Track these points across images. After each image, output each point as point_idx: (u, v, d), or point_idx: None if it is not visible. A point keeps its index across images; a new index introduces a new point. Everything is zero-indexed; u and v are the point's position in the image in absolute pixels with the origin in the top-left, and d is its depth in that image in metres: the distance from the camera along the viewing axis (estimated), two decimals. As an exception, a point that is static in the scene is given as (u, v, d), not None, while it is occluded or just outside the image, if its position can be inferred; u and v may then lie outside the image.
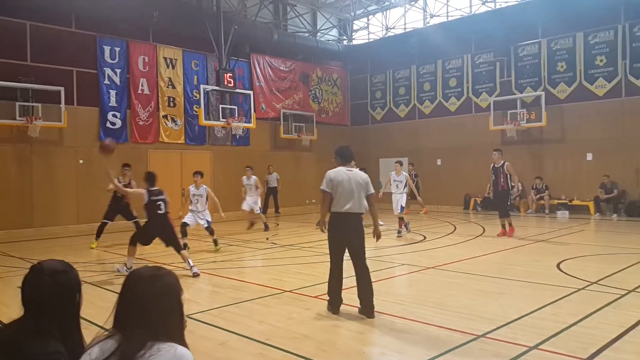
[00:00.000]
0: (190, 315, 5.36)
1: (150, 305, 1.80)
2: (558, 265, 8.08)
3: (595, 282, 6.81)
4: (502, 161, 12.09)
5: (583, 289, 6.53)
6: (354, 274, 5.71)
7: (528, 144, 18.04)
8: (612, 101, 16.26)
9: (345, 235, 5.64)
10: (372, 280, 5.70)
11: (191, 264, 7.99)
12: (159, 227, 8.20)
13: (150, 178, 8.46)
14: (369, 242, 8.16)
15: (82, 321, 2.09)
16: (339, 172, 5.70)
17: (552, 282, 6.96)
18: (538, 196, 17.24)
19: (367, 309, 5.48)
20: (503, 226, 11.93)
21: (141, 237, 8.33)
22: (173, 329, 1.84)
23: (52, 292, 1.91)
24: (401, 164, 12.96)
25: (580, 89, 16.93)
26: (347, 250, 5.70)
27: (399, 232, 12.47)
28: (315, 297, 6.37)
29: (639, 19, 15.70)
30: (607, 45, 16.36)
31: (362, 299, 5.56)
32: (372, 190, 5.85)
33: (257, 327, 4.96)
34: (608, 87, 16.35)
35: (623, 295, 6.11)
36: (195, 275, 7.84)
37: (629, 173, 15.78)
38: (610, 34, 16.31)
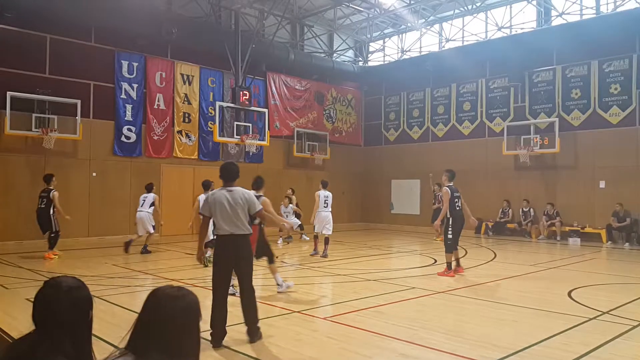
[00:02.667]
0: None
1: (171, 326, 1.80)
2: (569, 294, 8.01)
3: (607, 312, 6.74)
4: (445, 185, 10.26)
5: (594, 318, 6.45)
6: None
7: (541, 170, 17.97)
8: (626, 129, 16.19)
9: (230, 259, 5.31)
10: (382, 303, 5.69)
11: (279, 280, 7.94)
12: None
13: (258, 184, 8.43)
14: (371, 264, 8.12)
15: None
16: (217, 194, 5.37)
17: (564, 310, 6.89)
18: (549, 222, 17.11)
19: (250, 331, 5.28)
20: (448, 264, 9.91)
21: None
22: (190, 350, 1.84)
23: (67, 308, 1.88)
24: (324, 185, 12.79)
25: (594, 117, 16.89)
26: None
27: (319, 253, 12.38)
28: (324, 318, 6.36)
29: (654, 48, 15.73)
30: (621, 73, 16.36)
31: (247, 323, 5.34)
32: (258, 208, 5.48)
33: (264, 348, 4.96)
34: (622, 115, 16.30)
35: (635, 327, 6.03)
36: (287, 287, 7.90)
37: (642, 202, 15.64)
38: (625, 63, 16.31)
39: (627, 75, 16.23)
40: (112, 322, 5.71)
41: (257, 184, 8.39)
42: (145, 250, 12.64)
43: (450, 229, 9.76)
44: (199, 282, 8.82)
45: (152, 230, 12.84)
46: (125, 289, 8.09)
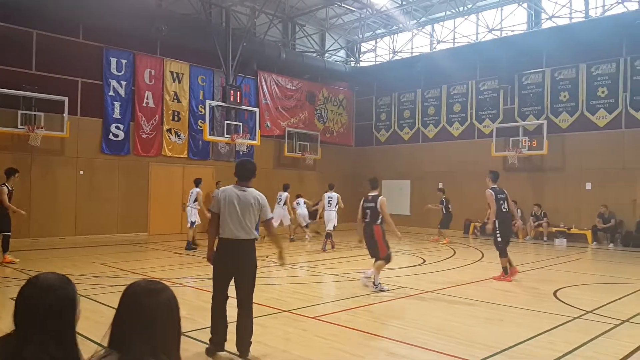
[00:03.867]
0: (185, 333, 5.35)
1: (150, 319, 1.77)
2: (555, 293, 8.10)
3: (591, 311, 6.83)
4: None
5: (579, 317, 6.54)
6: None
7: (529, 172, 18.12)
8: (612, 132, 16.39)
9: (231, 266, 4.87)
10: (371, 302, 5.71)
11: (378, 280, 8.11)
12: (366, 235, 8.29)
13: (373, 184, 8.60)
14: (361, 264, 8.17)
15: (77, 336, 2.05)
16: (228, 191, 4.93)
17: (549, 309, 6.97)
18: (536, 223, 17.28)
19: (241, 347, 4.85)
20: (504, 269, 9.44)
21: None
22: (171, 345, 1.82)
23: (48, 307, 1.82)
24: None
25: (581, 119, 17.07)
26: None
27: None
28: (313, 317, 6.37)
29: (639, 53, 15.94)
30: (609, 77, 16.54)
31: (238, 335, 4.89)
32: (269, 215, 5.02)
33: (253, 347, 4.96)
34: (609, 118, 16.48)
35: (617, 325, 6.14)
36: (366, 280, 8.06)
37: (626, 204, 15.83)
38: (612, 67, 16.49)
39: (614, 79, 16.42)
40: (99, 321, 5.66)
41: (373, 184, 8.58)
42: (189, 247, 13.24)
43: (498, 232, 9.38)
44: (187, 281, 8.80)
45: (188, 225, 13.67)
46: (113, 288, 8.05)
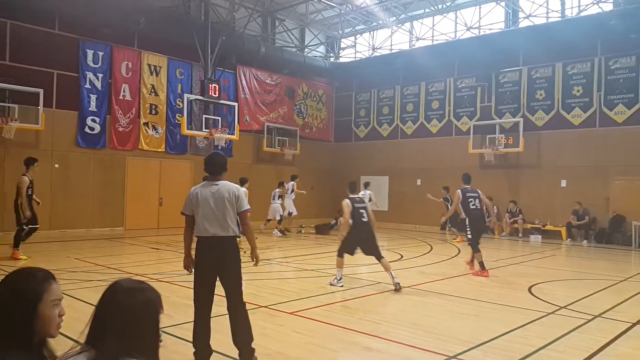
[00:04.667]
0: (163, 329, 5.30)
1: (126, 318, 1.77)
2: (529, 289, 8.23)
3: (564, 307, 6.96)
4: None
5: (552, 313, 6.66)
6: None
7: (505, 169, 18.38)
8: (586, 131, 16.70)
9: (213, 266, 4.57)
10: (348, 298, 5.73)
11: (393, 275, 8.05)
12: (362, 235, 8.30)
13: (352, 186, 8.74)
14: (345, 260, 8.21)
15: None
16: (200, 189, 4.67)
17: (523, 305, 7.09)
18: (512, 220, 17.54)
19: (245, 355, 4.56)
20: (480, 264, 9.63)
21: (347, 247, 8.39)
22: (148, 345, 1.80)
23: (6, 301, 1.76)
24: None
25: (557, 117, 17.36)
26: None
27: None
28: (291, 313, 6.37)
29: (613, 53, 16.22)
30: (584, 76, 16.85)
31: (238, 345, 4.59)
32: (246, 207, 4.68)
33: (230, 343, 4.93)
34: (584, 116, 16.79)
35: (589, 320, 6.26)
36: (397, 286, 7.84)
37: (599, 201, 16.17)
38: (587, 66, 16.80)
39: (589, 78, 16.72)
40: (74, 317, 5.57)
41: (353, 186, 8.85)
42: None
43: (468, 228, 9.75)
44: (164, 277, 8.72)
45: (277, 217, 15.79)
46: (88, 283, 7.94)
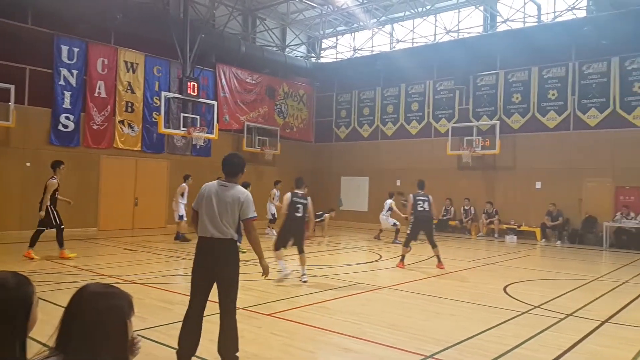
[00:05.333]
0: (137, 333, 5.21)
1: (92, 324, 1.73)
2: (505, 289, 8.34)
3: (538, 306, 7.08)
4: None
5: (527, 312, 6.76)
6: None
7: (482, 170, 18.60)
8: (561, 134, 17.01)
9: (209, 267, 4.48)
10: (327, 299, 5.71)
11: (305, 271, 8.63)
12: (293, 228, 8.83)
13: (297, 182, 9.10)
14: (318, 261, 8.16)
15: None
16: (209, 186, 4.63)
17: (499, 304, 7.18)
18: (488, 220, 17.77)
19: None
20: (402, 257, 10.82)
21: (281, 241, 8.94)
22: (116, 351, 1.77)
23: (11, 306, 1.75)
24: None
25: (532, 120, 17.63)
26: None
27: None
28: (268, 314, 6.33)
29: (587, 58, 16.57)
30: (559, 80, 17.15)
31: (222, 353, 4.49)
32: (251, 214, 4.54)
33: (206, 346, 4.85)
34: (558, 120, 17.09)
35: (562, 319, 6.38)
36: (304, 281, 8.44)
37: (573, 202, 16.49)
38: (562, 71, 17.11)
39: (563, 82, 17.03)
40: (45, 320, 5.45)
41: (299, 183, 9.12)
42: (178, 237, 14.05)
43: (410, 226, 10.83)
44: (138, 278, 8.59)
45: (176, 219, 14.22)
46: (60, 285, 7.78)
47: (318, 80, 23.38)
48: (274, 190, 16.77)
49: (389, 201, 16.23)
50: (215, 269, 4.46)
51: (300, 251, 8.80)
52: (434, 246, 10.67)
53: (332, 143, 23.29)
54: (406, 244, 10.76)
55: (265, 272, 4.79)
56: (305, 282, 8.49)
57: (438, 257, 10.61)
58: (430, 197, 11.01)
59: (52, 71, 15.28)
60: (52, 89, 15.29)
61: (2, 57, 14.26)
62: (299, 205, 8.71)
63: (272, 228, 16.38)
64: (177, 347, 4.55)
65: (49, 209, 10.35)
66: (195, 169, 17.63)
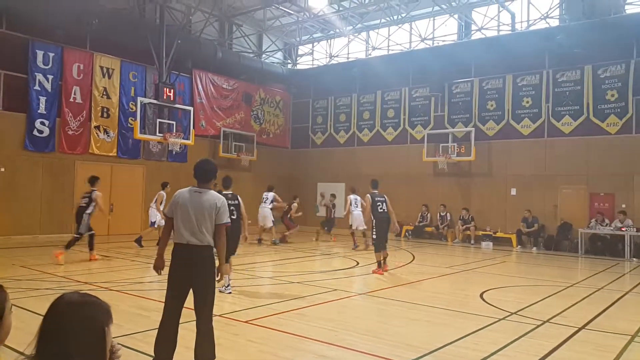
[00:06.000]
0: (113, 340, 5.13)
1: (68, 334, 1.72)
2: (481, 295, 8.42)
3: (515, 313, 7.15)
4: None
5: (503, 319, 6.83)
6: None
7: (457, 177, 18.82)
8: (535, 141, 17.31)
9: (186, 274, 4.46)
10: (304, 305, 5.70)
11: (228, 282, 8.08)
12: (235, 232, 8.23)
13: (227, 182, 8.62)
14: (295, 267, 8.14)
15: None
16: (184, 193, 4.61)
17: (476, 311, 7.25)
18: (464, 227, 17.95)
19: None
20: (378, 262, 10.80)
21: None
22: (96, 359, 1.76)
23: None
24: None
25: (507, 128, 17.92)
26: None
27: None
28: (245, 322, 6.29)
29: (560, 66, 16.93)
30: (533, 88, 17.49)
31: (197, 358, 4.47)
32: (225, 220, 4.60)
33: (183, 353, 4.81)
34: (533, 127, 17.41)
35: (539, 326, 6.45)
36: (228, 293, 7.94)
37: (548, 209, 16.78)
38: (536, 78, 17.45)
39: (537, 90, 17.37)
40: (19, 327, 5.33)
41: (227, 182, 8.58)
42: (138, 241, 13.73)
43: (374, 230, 10.60)
44: (113, 285, 8.46)
45: (149, 224, 13.96)
46: (34, 292, 7.60)
47: (294, 87, 23.40)
48: (162, 192, 15.19)
49: (270, 194, 16.06)
50: (191, 275, 4.44)
51: (229, 258, 8.02)
52: (384, 248, 10.69)
53: (309, 149, 23.32)
54: (377, 249, 10.61)
55: (222, 276, 4.84)
56: (229, 293, 7.92)
57: (384, 259, 10.65)
58: (386, 197, 10.90)
59: (27, 76, 15.05)
60: (27, 94, 15.05)
61: (-26, 61, 13.98)
62: (232, 208, 7.78)
63: None
64: (153, 354, 4.52)
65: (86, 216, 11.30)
66: (171, 174, 17.49)
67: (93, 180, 11.78)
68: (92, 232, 11.43)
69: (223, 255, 4.71)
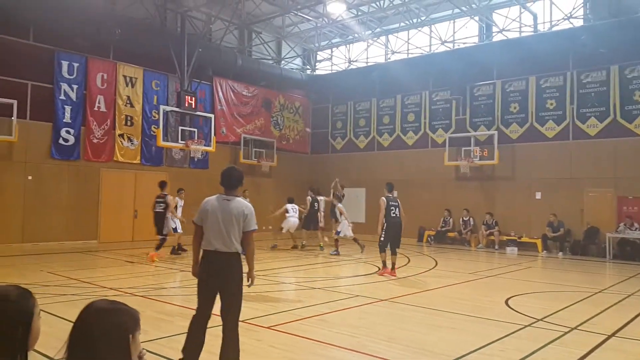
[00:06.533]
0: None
1: (99, 340, 1.75)
2: (506, 301, 8.28)
3: (541, 319, 7.00)
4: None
5: (529, 325, 6.69)
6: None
7: (480, 181, 18.59)
8: (560, 143, 17.01)
9: (215, 280, 4.58)
10: (326, 311, 5.68)
11: None
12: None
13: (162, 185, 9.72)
14: (316, 273, 8.14)
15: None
16: (213, 201, 4.70)
17: (501, 318, 7.12)
18: (488, 232, 17.70)
19: None
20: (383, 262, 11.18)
21: None
22: None
23: (10, 319, 1.80)
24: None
25: (531, 130, 17.66)
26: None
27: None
28: (268, 327, 6.29)
29: (585, 67, 16.61)
30: (557, 90, 17.20)
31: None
32: (252, 227, 4.67)
33: (205, 358, 4.85)
34: (557, 129, 17.12)
35: (566, 333, 6.30)
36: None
37: (574, 213, 16.44)
38: (560, 80, 17.16)
39: (561, 92, 17.08)
40: (47, 332, 5.41)
41: (162, 185, 8.98)
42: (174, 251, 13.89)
43: (383, 232, 10.87)
44: (138, 291, 8.55)
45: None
46: (61, 297, 7.73)
47: (313, 92, 23.45)
48: (177, 198, 14.51)
49: (295, 206, 16.26)
50: (219, 282, 4.55)
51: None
52: (394, 253, 10.96)
53: (329, 154, 23.32)
54: (382, 250, 10.93)
55: (252, 283, 4.88)
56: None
57: (393, 264, 10.91)
58: (399, 202, 11.13)
59: (52, 86, 15.38)
60: (53, 103, 15.38)
61: (5, 73, 14.40)
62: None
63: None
64: (181, 353, 4.62)
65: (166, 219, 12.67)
66: (193, 181, 17.68)
67: (163, 185, 12.92)
68: (167, 235, 12.60)
69: (253, 262, 4.81)
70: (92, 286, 8.88)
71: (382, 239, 10.93)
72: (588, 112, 16.55)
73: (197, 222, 4.71)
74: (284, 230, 16.32)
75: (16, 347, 1.81)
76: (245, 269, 4.74)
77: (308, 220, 16.53)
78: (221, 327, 4.59)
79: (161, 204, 12.61)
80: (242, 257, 4.68)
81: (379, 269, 11.21)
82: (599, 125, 16.32)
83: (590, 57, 16.26)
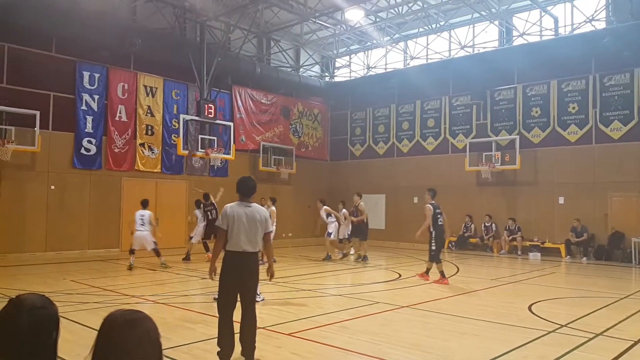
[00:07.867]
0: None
1: (127, 353, 1.74)
2: (530, 307, 8.14)
3: (565, 325, 6.87)
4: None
5: (553, 331, 6.56)
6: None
7: (502, 186, 18.36)
8: (583, 147, 16.72)
9: (240, 277, 5.14)
10: (347, 318, 5.66)
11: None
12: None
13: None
14: (337, 279, 8.11)
15: None
16: (236, 207, 5.27)
17: (524, 324, 6.99)
18: (511, 237, 17.44)
19: (247, 352, 5.12)
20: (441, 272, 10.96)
21: None
22: None
23: (28, 329, 1.80)
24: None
25: (553, 134, 17.40)
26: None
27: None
28: (288, 334, 6.27)
29: (608, 70, 16.34)
30: (579, 93, 16.94)
31: (244, 342, 5.15)
32: (270, 228, 5.46)
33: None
34: (580, 133, 16.84)
35: (591, 339, 6.17)
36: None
37: (598, 218, 16.12)
38: (582, 83, 16.90)
39: (584, 95, 16.81)
40: (70, 339, 5.48)
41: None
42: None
43: (434, 241, 10.82)
44: (160, 298, 8.61)
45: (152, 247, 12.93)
46: (84, 305, 7.81)
47: (332, 99, 23.47)
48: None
49: (147, 212, 13.29)
50: (242, 278, 5.15)
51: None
52: (439, 261, 10.89)
53: (348, 161, 23.28)
54: (437, 260, 10.82)
55: (272, 277, 5.64)
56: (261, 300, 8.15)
57: (428, 269, 11.09)
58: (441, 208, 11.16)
59: (74, 97, 15.66)
60: (75, 114, 15.65)
61: (28, 84, 14.71)
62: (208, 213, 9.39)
63: None
64: (218, 346, 5.07)
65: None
66: (213, 189, 17.71)
67: (208, 196, 14.24)
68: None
69: (272, 258, 5.65)
70: (114, 294, 8.96)
71: (433, 248, 10.81)
72: (611, 116, 16.25)
73: (223, 227, 5.20)
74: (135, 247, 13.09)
75: (47, 353, 1.89)
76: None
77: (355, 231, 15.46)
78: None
79: (214, 210, 13.96)
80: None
81: (427, 274, 11.16)
82: (623, 128, 16.01)
83: (613, 59, 15.98)
